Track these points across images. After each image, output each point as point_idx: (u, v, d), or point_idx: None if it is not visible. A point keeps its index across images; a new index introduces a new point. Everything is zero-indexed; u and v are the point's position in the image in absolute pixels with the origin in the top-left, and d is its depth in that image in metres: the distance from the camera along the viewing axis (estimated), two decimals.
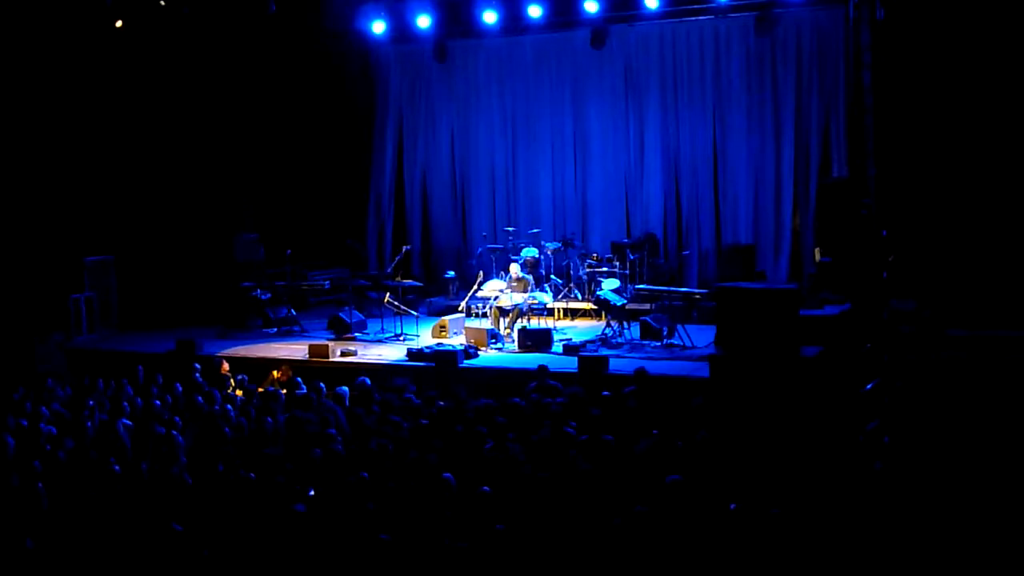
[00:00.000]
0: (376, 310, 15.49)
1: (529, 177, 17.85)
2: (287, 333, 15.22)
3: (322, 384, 11.19)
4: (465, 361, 12.68)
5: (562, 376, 11.56)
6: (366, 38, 17.77)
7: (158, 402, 10.93)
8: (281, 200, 17.88)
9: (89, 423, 10.33)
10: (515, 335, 13.70)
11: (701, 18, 16.16)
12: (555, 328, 14.29)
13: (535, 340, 13.39)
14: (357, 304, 15.73)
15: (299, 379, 11.58)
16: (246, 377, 12.24)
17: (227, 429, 9.72)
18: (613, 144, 17.05)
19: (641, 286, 14.76)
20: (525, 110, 17.74)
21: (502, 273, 15.24)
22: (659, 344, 13.21)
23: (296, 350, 13.80)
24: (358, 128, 18.50)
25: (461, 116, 18.08)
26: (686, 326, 13.42)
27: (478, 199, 18.08)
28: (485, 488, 7.57)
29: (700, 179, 16.44)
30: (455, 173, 18.15)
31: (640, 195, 16.97)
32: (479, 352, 13.18)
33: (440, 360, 12.51)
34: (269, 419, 9.98)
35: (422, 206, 18.36)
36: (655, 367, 11.80)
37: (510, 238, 16.48)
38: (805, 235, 15.55)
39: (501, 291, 14.36)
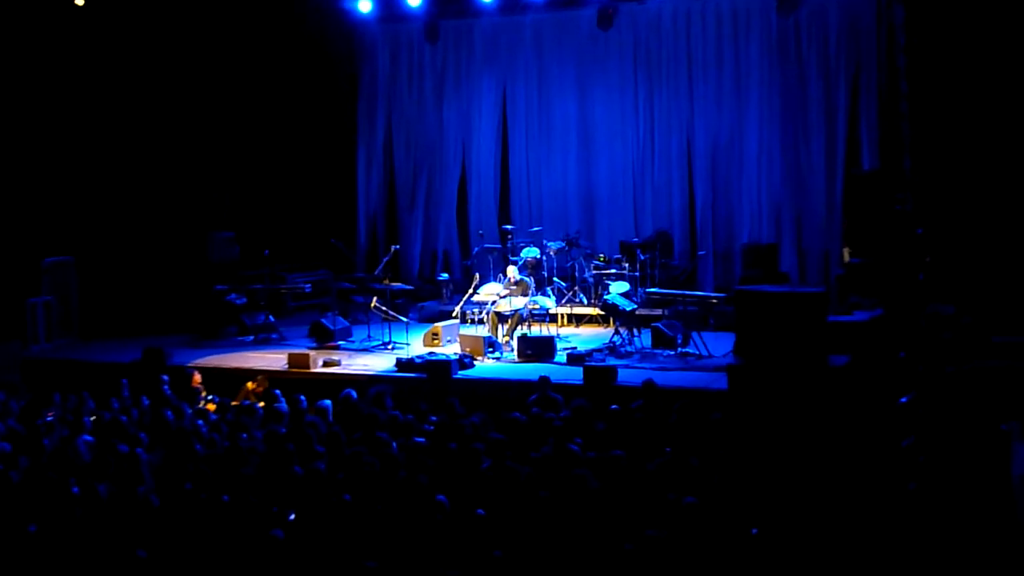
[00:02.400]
0: (362, 316, 15.53)
1: (530, 170, 17.89)
2: (264, 341, 15.23)
3: (303, 397, 11.18)
4: (460, 372, 12.70)
5: (566, 388, 11.57)
6: (351, 17, 17.82)
7: (123, 417, 10.91)
8: (258, 195, 17.89)
9: (46, 440, 10.31)
10: (514, 343, 13.72)
11: None
12: (558, 336, 14.31)
13: (536, 349, 13.40)
14: (341, 309, 15.75)
15: (277, 392, 11.57)
16: (217, 398, 12.21)
17: (198, 446, 9.72)
18: (621, 134, 17.09)
19: (652, 289, 14.79)
20: (525, 97, 17.79)
21: (500, 275, 15.25)
22: (673, 353, 13.23)
23: (274, 360, 13.82)
24: (343, 116, 18.54)
25: (455, 103, 18.10)
26: (702, 334, 13.44)
27: (474, 194, 18.11)
28: (481, 511, 7.55)
29: (717, 172, 16.46)
30: (449, 165, 18.17)
31: (651, 190, 17.00)
32: (475, 362, 13.19)
33: (432, 371, 12.51)
34: (244, 435, 10.00)
35: (411, 201, 18.38)
36: (668, 378, 11.80)
37: (509, 237, 16.51)
38: (833, 233, 15.56)
39: (499, 295, 14.37)
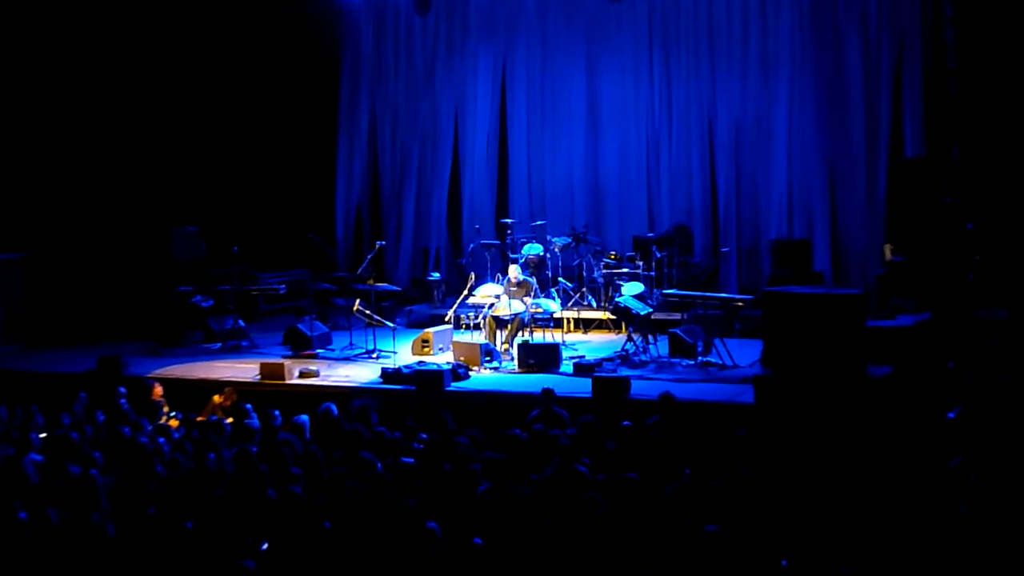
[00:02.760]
0: (344, 320, 15.51)
1: (532, 157, 17.90)
2: (234, 349, 15.24)
3: (277, 412, 11.19)
4: (453, 383, 12.71)
5: (572, 402, 11.59)
6: None
7: (75, 434, 10.87)
8: (228, 186, 17.88)
9: None
10: (515, 352, 13.73)
11: None
12: (564, 343, 14.33)
13: (539, 358, 13.41)
14: (320, 313, 15.75)
15: (248, 406, 11.56)
16: (181, 414, 12.19)
17: (159, 467, 9.71)
18: (635, 116, 17.10)
19: (670, 291, 14.80)
20: (526, 75, 17.81)
21: (498, 275, 15.25)
22: (692, 363, 13.24)
23: (245, 370, 13.84)
24: (323, 97, 18.55)
25: (447, 83, 18.11)
26: (726, 341, 13.45)
27: (469, 184, 18.14)
28: (477, 540, 7.54)
29: (742, 158, 16.46)
30: (440, 153, 18.19)
31: (668, 179, 17.01)
32: (470, 372, 13.21)
33: (422, 382, 12.53)
34: (211, 455, 9.98)
35: (398, 193, 18.43)
36: (687, 391, 11.80)
37: (508, 232, 16.49)
38: (874, 228, 15.56)
39: (497, 297, 14.38)
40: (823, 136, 15.96)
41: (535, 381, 12.53)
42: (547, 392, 11.38)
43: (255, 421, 11.07)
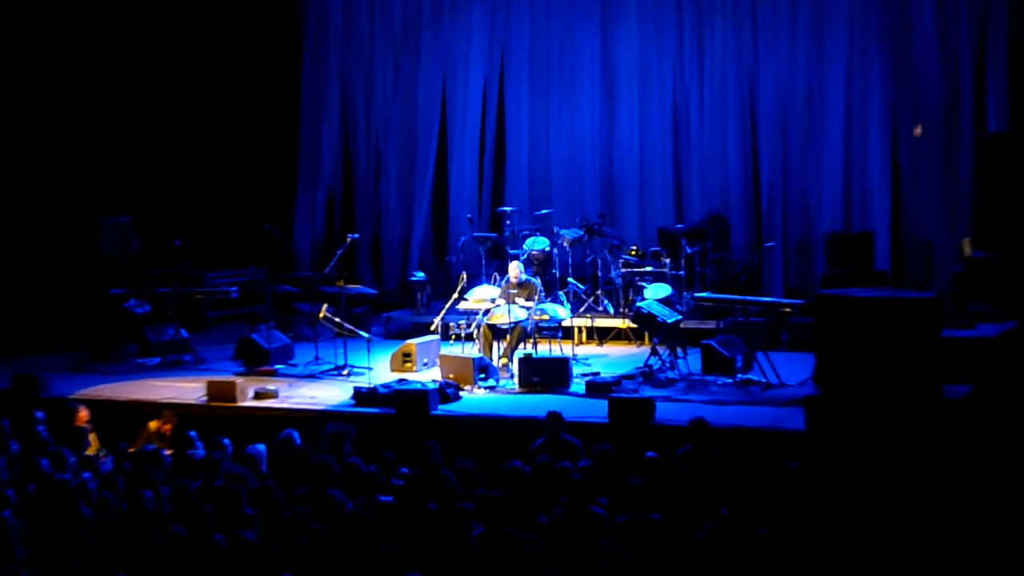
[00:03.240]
0: (308, 330, 15.52)
1: (535, 133, 17.95)
2: (175, 364, 15.27)
3: (227, 441, 11.15)
4: (441, 406, 12.70)
5: (585, 428, 11.57)
6: None
7: None
8: (168, 169, 17.89)
9: None
10: (515, 367, 13.72)
11: None
12: (575, 357, 14.33)
13: (545, 375, 13.40)
14: (280, 321, 15.74)
15: (192, 433, 11.54)
16: (121, 443, 12.09)
17: (85, 508, 9.63)
18: (659, 83, 17.16)
19: (703, 294, 14.77)
20: (529, 34, 17.90)
21: (495, 275, 15.22)
22: (731, 381, 13.26)
23: (188, 389, 13.84)
24: (284, 64, 18.62)
25: (433, 47, 18.17)
26: (770, 354, 13.45)
27: (459, 167, 18.19)
28: None
29: (790, 134, 16.53)
30: (425, 130, 18.21)
31: (699, 159, 17.07)
32: (461, 393, 13.20)
33: (404, 405, 12.51)
34: (148, 493, 9.89)
35: (374, 177, 18.46)
36: (724, 415, 11.78)
37: (507, 222, 16.51)
38: (955, 218, 15.55)
39: (494, 301, 14.35)
40: (887, 109, 16.02)
41: (540, 403, 12.52)
42: (554, 416, 11.31)
43: (200, 451, 11.04)
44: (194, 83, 18.17)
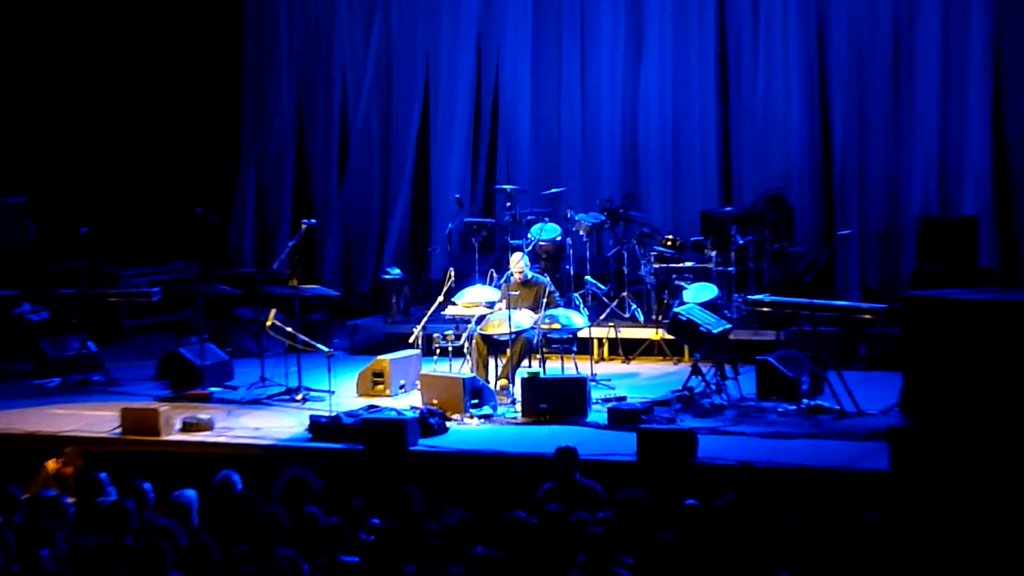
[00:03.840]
0: (251, 343, 15.70)
1: (540, 96, 18.15)
2: (81, 386, 15.38)
3: (148, 485, 11.07)
4: (422, 440, 12.75)
5: (607, 469, 11.66)
6: None
7: None
8: (73, 142, 18.09)
9: None
10: (517, 391, 13.73)
11: None
12: (594, 378, 14.36)
13: (556, 400, 13.43)
14: (215, 331, 15.86)
15: (103, 475, 11.47)
16: (12, 488, 11.90)
17: None
18: (700, 25, 17.26)
19: (758, 296, 14.76)
20: None
21: (491, 272, 15.28)
22: (794, 408, 13.31)
23: (97, 418, 13.90)
24: (222, 4, 18.83)
25: None
26: (845, 373, 13.50)
27: (445, 136, 18.41)
28: None
29: (870, 96, 16.64)
30: (403, 94, 18.47)
31: (750, 127, 17.22)
32: (449, 423, 13.21)
33: (374, 439, 12.56)
34: (44, 551, 9.84)
35: (341, 148, 18.66)
36: (785, 452, 11.89)
37: (508, 205, 16.55)
38: None
39: (490, 306, 14.38)
40: (995, 66, 16.11)
41: (549, 436, 12.55)
42: (567, 453, 11.30)
43: (112, 498, 10.92)
44: (105, 31, 18.40)
